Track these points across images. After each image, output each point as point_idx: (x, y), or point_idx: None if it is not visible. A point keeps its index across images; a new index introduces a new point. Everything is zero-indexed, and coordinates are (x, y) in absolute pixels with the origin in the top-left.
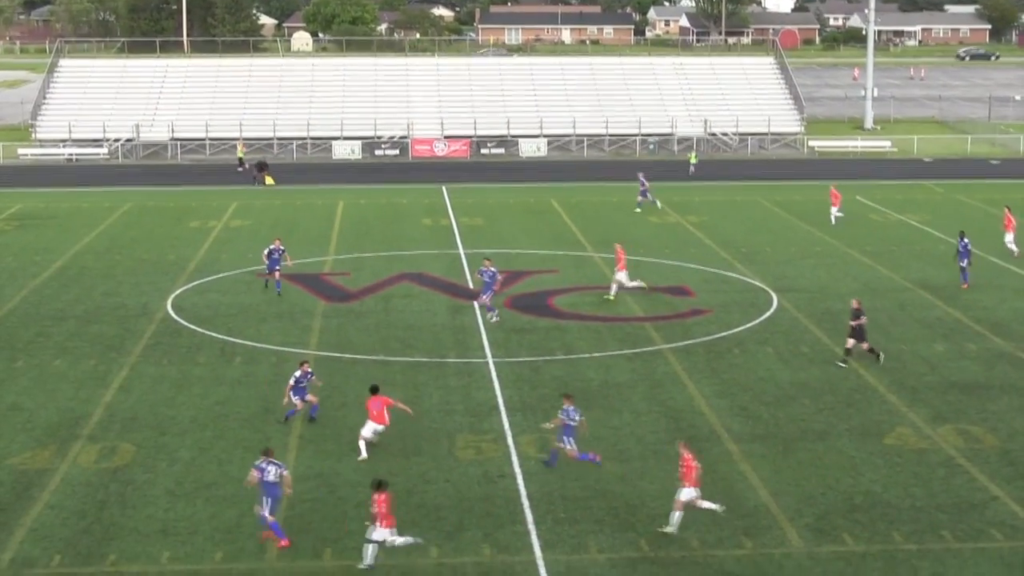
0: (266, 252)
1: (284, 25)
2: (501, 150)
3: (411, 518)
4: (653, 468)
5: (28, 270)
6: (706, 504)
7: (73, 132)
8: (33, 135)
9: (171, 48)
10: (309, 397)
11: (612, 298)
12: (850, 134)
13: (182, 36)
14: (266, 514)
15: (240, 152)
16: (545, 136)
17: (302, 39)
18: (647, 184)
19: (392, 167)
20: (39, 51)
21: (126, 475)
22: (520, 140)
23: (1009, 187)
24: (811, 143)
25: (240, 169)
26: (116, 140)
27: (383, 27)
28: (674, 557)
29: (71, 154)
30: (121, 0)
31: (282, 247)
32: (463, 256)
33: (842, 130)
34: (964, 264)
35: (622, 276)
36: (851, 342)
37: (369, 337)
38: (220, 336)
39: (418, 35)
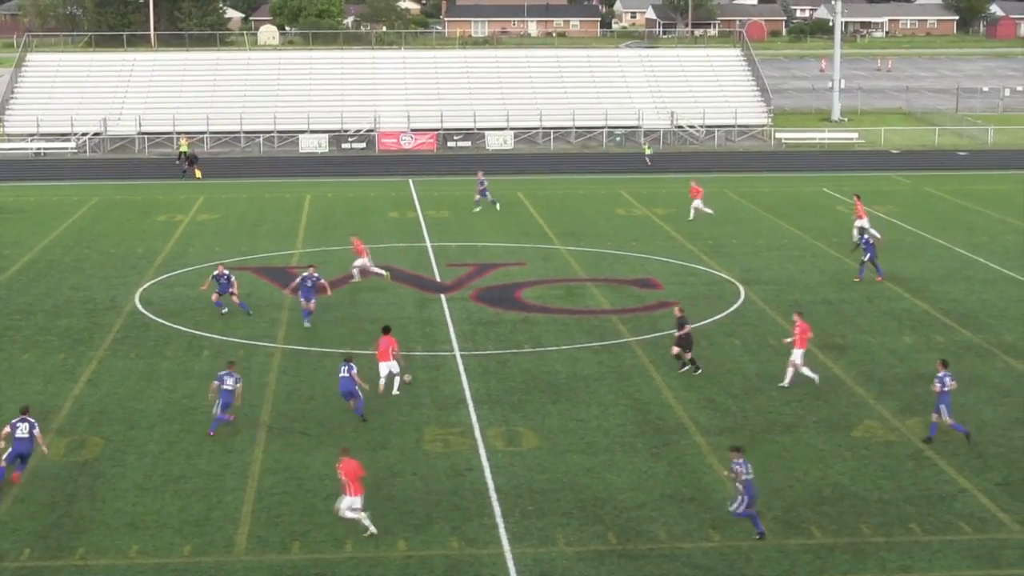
0: (213, 277)
1: (251, 18)
2: (468, 143)
3: (379, 511)
4: (621, 461)
5: None
6: (352, 514)
7: (41, 126)
8: (1, 129)
9: (138, 42)
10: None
11: (359, 279)
12: (817, 126)
13: (149, 30)
14: (3, 463)
15: (183, 146)
16: (511, 129)
17: (268, 32)
18: (486, 183)
19: (359, 160)
20: (6, 45)
21: (95, 468)
22: (486, 133)
23: (976, 178)
24: (778, 135)
25: (177, 162)
26: (84, 134)
27: (349, 20)
28: (642, 550)
29: (39, 148)
30: None
31: (227, 271)
32: (430, 249)
33: (809, 122)
34: (871, 258)
35: (363, 262)
36: (676, 349)
37: (337, 330)
38: (188, 330)
39: (384, 28)
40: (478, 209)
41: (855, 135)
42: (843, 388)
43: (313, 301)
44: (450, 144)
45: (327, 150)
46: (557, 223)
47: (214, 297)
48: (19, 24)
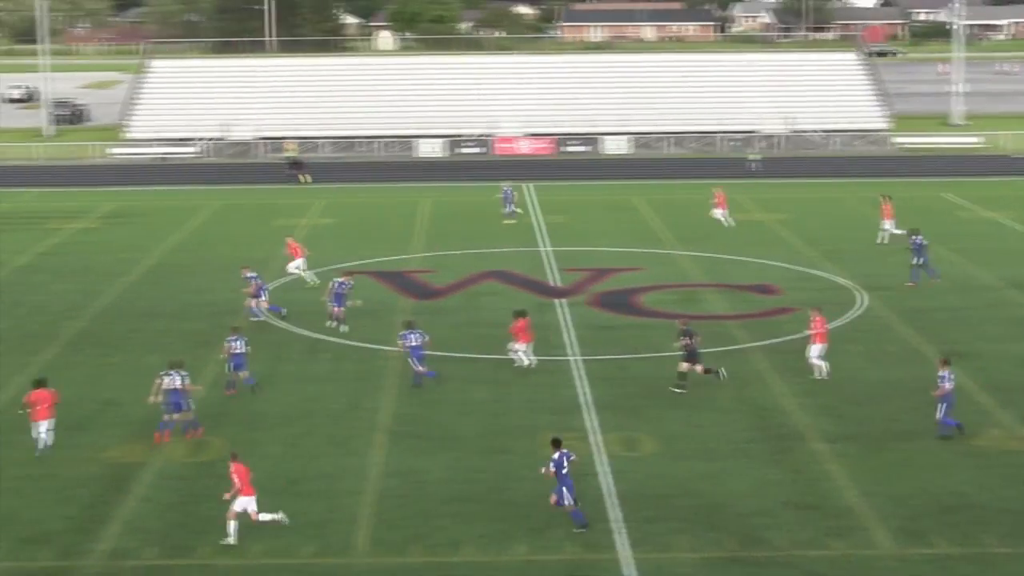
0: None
1: (368, 24)
2: (584, 147)
3: (499, 515)
4: (740, 467)
5: (121, 268)
6: (266, 516)
7: (163, 132)
8: (125, 135)
9: (257, 48)
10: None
11: (313, 283)
12: (937, 130)
13: (268, 36)
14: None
15: (289, 151)
16: (628, 133)
17: (386, 38)
18: (512, 194)
19: (475, 164)
20: (130, 52)
21: (217, 469)
22: (603, 138)
23: None
24: (897, 139)
25: (295, 168)
26: (205, 139)
27: (466, 25)
28: (760, 557)
29: (163, 153)
30: (208, 1)
31: (250, 274)
32: (547, 253)
33: (929, 126)
34: (920, 262)
35: (298, 263)
36: (685, 365)
37: (457, 334)
38: (309, 333)
39: (500, 33)
40: (513, 220)
41: (975, 139)
42: (965, 396)
43: (342, 308)
44: (567, 148)
45: (444, 155)
46: (674, 228)
47: (253, 303)
48: (142, 31)
